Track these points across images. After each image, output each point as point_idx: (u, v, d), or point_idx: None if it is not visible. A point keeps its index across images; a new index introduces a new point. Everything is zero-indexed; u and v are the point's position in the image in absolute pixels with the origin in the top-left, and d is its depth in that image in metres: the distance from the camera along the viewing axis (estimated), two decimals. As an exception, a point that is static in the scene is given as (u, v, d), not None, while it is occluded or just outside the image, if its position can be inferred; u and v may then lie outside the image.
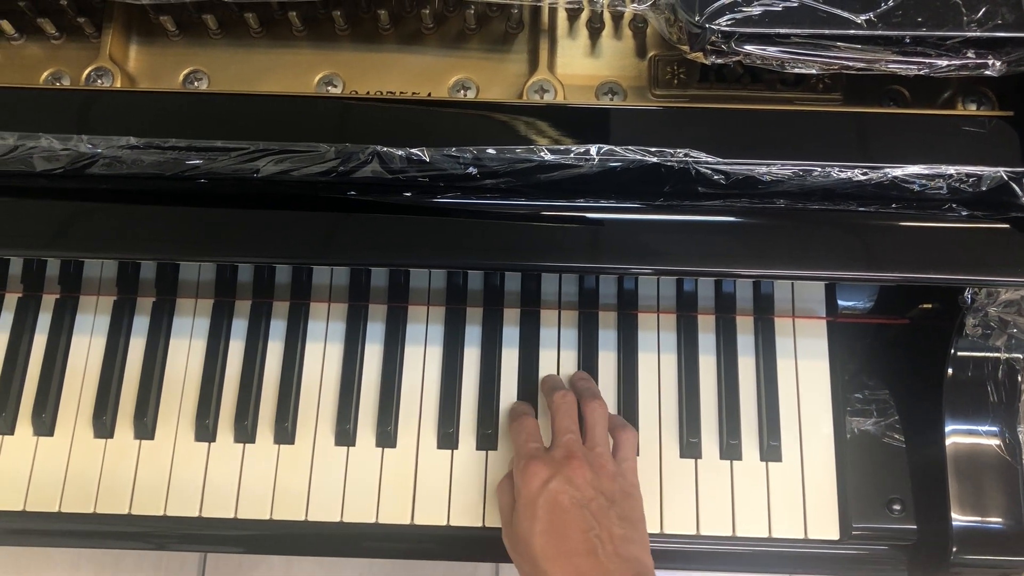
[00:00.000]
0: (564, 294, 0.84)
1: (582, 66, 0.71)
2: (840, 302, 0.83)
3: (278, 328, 0.83)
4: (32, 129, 0.60)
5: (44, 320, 0.83)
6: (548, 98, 0.67)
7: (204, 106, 0.62)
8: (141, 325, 0.83)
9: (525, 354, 0.81)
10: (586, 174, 0.60)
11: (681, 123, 0.62)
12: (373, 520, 0.77)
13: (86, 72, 0.68)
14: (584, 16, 0.71)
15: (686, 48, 0.59)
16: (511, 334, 0.83)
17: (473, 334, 0.83)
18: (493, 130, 0.61)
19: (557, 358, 0.82)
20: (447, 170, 0.60)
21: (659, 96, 0.69)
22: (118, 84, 0.68)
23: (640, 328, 0.83)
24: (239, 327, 0.83)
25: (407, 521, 0.77)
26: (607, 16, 0.70)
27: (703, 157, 0.58)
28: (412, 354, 0.82)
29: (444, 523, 0.77)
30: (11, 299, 0.84)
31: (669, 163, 0.59)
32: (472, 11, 0.69)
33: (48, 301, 0.84)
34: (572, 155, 0.58)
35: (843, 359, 0.82)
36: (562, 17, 0.72)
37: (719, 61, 0.59)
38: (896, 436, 0.79)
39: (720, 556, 0.78)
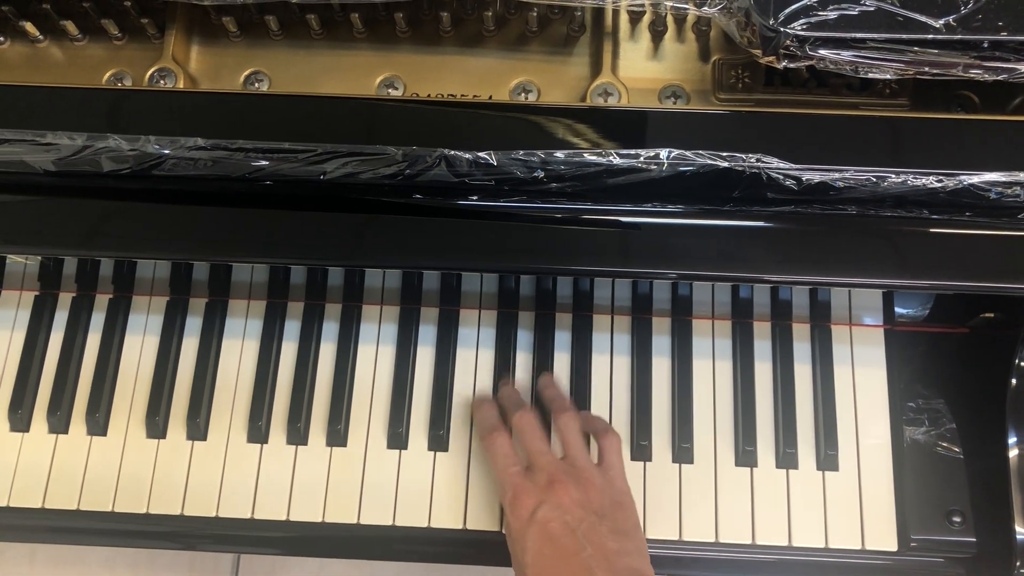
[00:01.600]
0: (617, 299, 0.83)
1: (644, 69, 0.70)
2: (898, 310, 0.82)
3: (330, 330, 0.83)
4: (100, 129, 0.60)
5: (98, 320, 0.83)
6: (612, 101, 0.67)
7: (271, 108, 0.62)
8: (193, 326, 0.83)
9: (578, 359, 0.80)
10: (654, 178, 0.60)
11: (751, 127, 0.61)
12: (425, 524, 0.77)
13: (149, 72, 0.68)
14: (646, 19, 0.70)
15: (758, 52, 0.59)
16: (563, 339, 0.82)
17: (524, 339, 0.82)
18: (560, 134, 0.60)
19: (610, 364, 0.82)
20: (513, 174, 0.59)
21: (723, 100, 0.69)
22: (181, 85, 0.68)
23: (695, 334, 0.82)
24: (291, 329, 0.83)
25: (459, 526, 0.76)
26: (670, 19, 0.69)
27: (775, 162, 0.57)
28: (464, 357, 0.81)
29: (497, 528, 0.76)
30: (65, 298, 0.84)
31: (739, 168, 0.58)
32: (534, 13, 0.68)
33: (101, 301, 0.84)
34: (641, 159, 0.57)
35: (901, 368, 0.81)
36: (624, 20, 0.71)
37: (791, 65, 0.58)
38: (954, 447, 0.78)
39: (776, 566, 0.77)
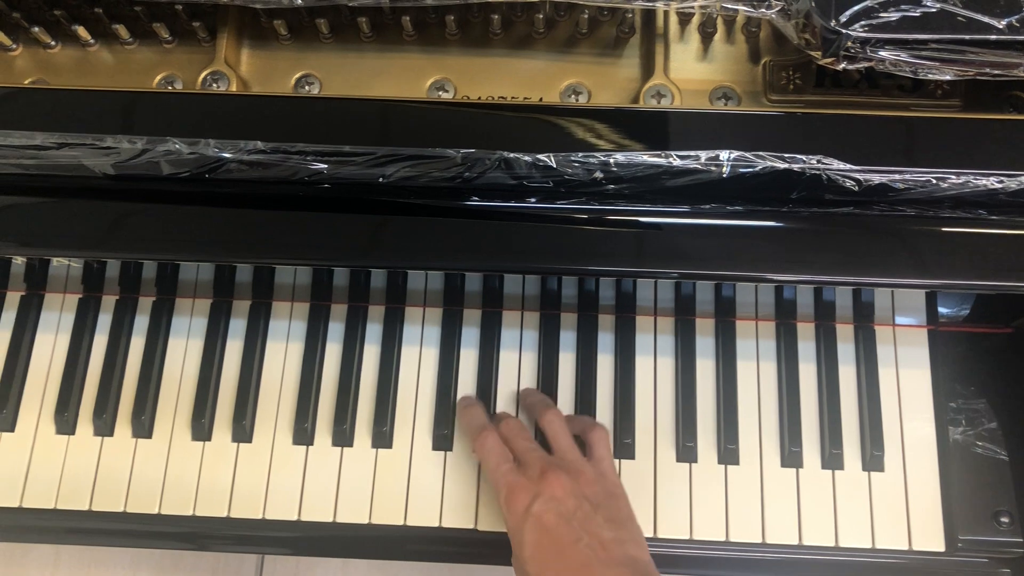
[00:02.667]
0: (660, 300, 0.83)
1: (694, 71, 0.70)
2: (941, 310, 0.82)
3: (374, 332, 0.83)
4: (157, 133, 0.60)
5: (141, 322, 0.83)
6: (665, 103, 0.67)
7: (329, 110, 0.62)
8: (237, 328, 0.83)
9: (622, 361, 0.80)
10: (711, 180, 0.59)
11: (809, 129, 0.61)
12: (472, 526, 0.77)
13: (202, 76, 0.69)
14: (695, 21, 0.70)
15: (817, 54, 0.59)
16: (606, 340, 0.82)
17: (568, 340, 0.82)
18: (619, 135, 0.60)
19: (654, 366, 0.82)
20: (572, 176, 0.59)
21: (774, 101, 0.69)
22: (234, 88, 0.68)
23: (739, 336, 0.82)
24: (335, 331, 0.83)
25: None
26: (720, 21, 0.69)
27: (835, 163, 0.57)
28: (507, 359, 0.82)
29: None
30: (108, 301, 0.84)
31: (799, 169, 0.58)
32: (585, 15, 0.68)
33: (145, 303, 0.84)
34: (702, 161, 0.57)
35: (945, 368, 0.81)
36: (673, 22, 0.71)
37: (850, 67, 0.58)
38: (997, 447, 0.78)
39: (823, 567, 0.77)
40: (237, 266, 0.83)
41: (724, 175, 0.58)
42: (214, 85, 0.68)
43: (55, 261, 0.76)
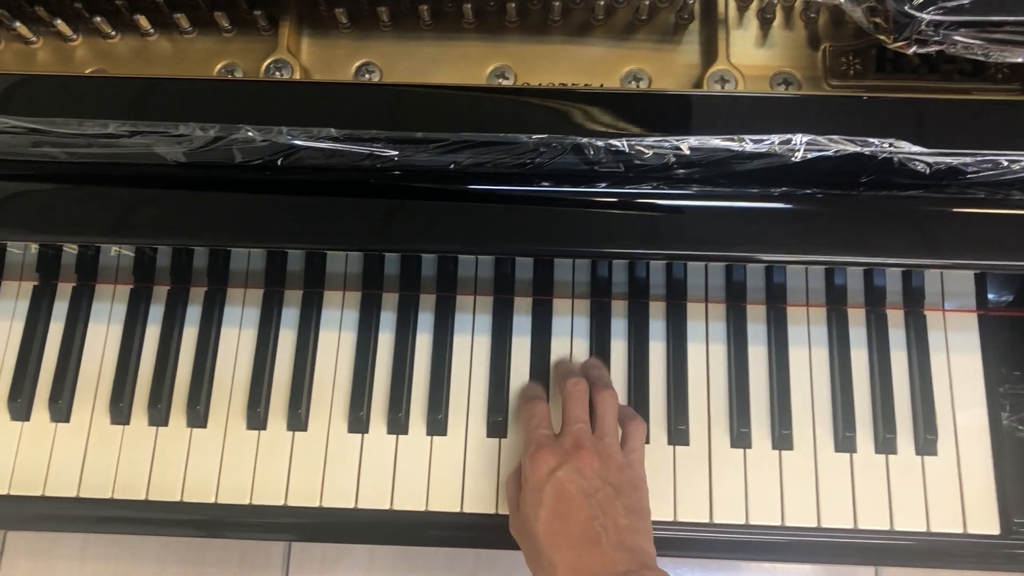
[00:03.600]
0: (711, 287, 0.83)
1: (754, 57, 0.71)
2: (990, 295, 0.82)
3: (426, 321, 0.83)
4: (228, 120, 0.60)
5: (193, 313, 0.84)
6: (729, 88, 0.67)
7: (400, 98, 0.62)
8: (290, 318, 0.83)
9: (674, 347, 0.81)
10: (781, 164, 0.60)
11: (877, 113, 0.61)
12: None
13: (265, 64, 0.69)
14: (754, 7, 0.71)
15: (886, 38, 0.59)
16: (658, 328, 0.83)
17: (619, 327, 0.83)
18: (692, 120, 0.61)
19: (706, 352, 0.82)
20: (643, 161, 0.59)
21: (835, 87, 0.69)
22: (297, 76, 0.68)
23: (790, 322, 0.82)
24: (387, 320, 0.83)
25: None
26: (778, 7, 0.70)
27: (907, 147, 0.58)
28: (558, 346, 0.82)
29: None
30: (160, 292, 0.84)
31: (869, 153, 0.58)
32: (645, 1, 0.68)
33: (197, 294, 0.84)
34: (776, 145, 0.57)
35: (996, 353, 0.81)
36: (732, 8, 0.71)
37: (921, 51, 0.58)
38: (1047, 431, 0.78)
39: (878, 550, 0.78)
40: (288, 256, 0.83)
41: (796, 159, 0.58)
42: (277, 73, 0.69)
43: (112, 250, 0.76)
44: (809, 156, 0.59)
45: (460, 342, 0.83)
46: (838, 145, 0.58)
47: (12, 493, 0.79)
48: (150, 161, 0.61)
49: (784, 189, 0.61)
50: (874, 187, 0.61)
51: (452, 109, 0.61)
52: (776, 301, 0.82)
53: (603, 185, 0.61)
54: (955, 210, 0.61)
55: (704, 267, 0.83)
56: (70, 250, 0.83)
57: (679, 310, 0.83)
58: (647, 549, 0.66)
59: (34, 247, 0.82)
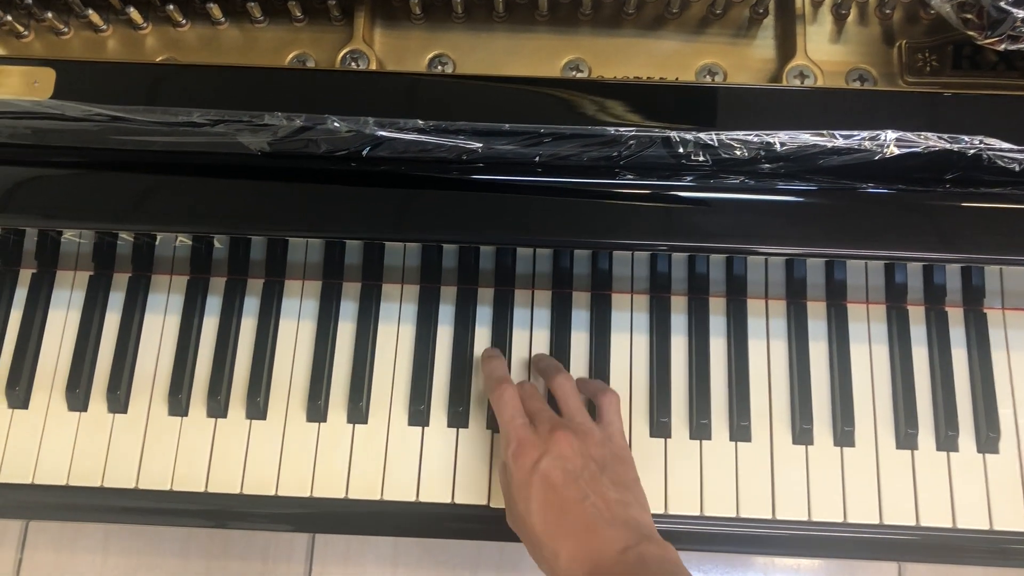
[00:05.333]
0: (771, 284, 0.83)
1: (828, 52, 0.70)
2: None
3: (484, 315, 0.83)
4: (310, 110, 0.59)
5: (251, 304, 0.83)
6: (808, 83, 0.67)
7: (484, 89, 0.62)
8: (348, 311, 0.83)
9: (736, 344, 0.81)
10: (867, 160, 0.60)
11: (963, 110, 0.61)
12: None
13: (341, 55, 0.68)
14: (828, 2, 0.70)
15: (976, 34, 0.59)
16: (719, 324, 0.83)
17: (679, 323, 0.83)
18: (778, 115, 0.60)
19: (767, 349, 0.82)
20: (731, 155, 0.59)
21: (911, 83, 0.69)
22: (372, 67, 0.68)
23: (851, 319, 0.82)
24: (446, 313, 0.83)
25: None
26: (853, 3, 0.69)
27: (998, 144, 0.57)
28: (619, 342, 0.82)
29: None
30: (217, 283, 0.84)
31: (958, 150, 0.58)
32: (722, -5, 0.68)
33: (255, 285, 0.83)
34: (865, 140, 0.57)
35: (1054, 352, 0.81)
36: (807, 3, 0.71)
37: (1012, 47, 0.58)
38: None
39: (940, 547, 0.78)
40: (347, 248, 0.83)
41: (885, 155, 0.58)
42: (353, 64, 0.68)
43: (178, 240, 0.76)
44: (896, 152, 0.59)
45: (519, 336, 0.82)
46: (927, 142, 0.58)
47: (71, 484, 0.78)
48: (231, 150, 0.61)
49: (871, 185, 0.60)
50: (959, 184, 0.60)
51: (538, 101, 0.61)
52: (837, 298, 0.82)
53: (689, 179, 0.60)
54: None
55: (764, 263, 0.83)
56: (126, 240, 0.82)
57: (740, 306, 0.82)
58: (642, 520, 0.66)
59: (87, 237, 0.82)
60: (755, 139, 0.58)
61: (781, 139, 0.57)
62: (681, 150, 0.59)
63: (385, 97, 0.62)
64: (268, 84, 0.61)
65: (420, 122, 0.59)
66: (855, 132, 0.58)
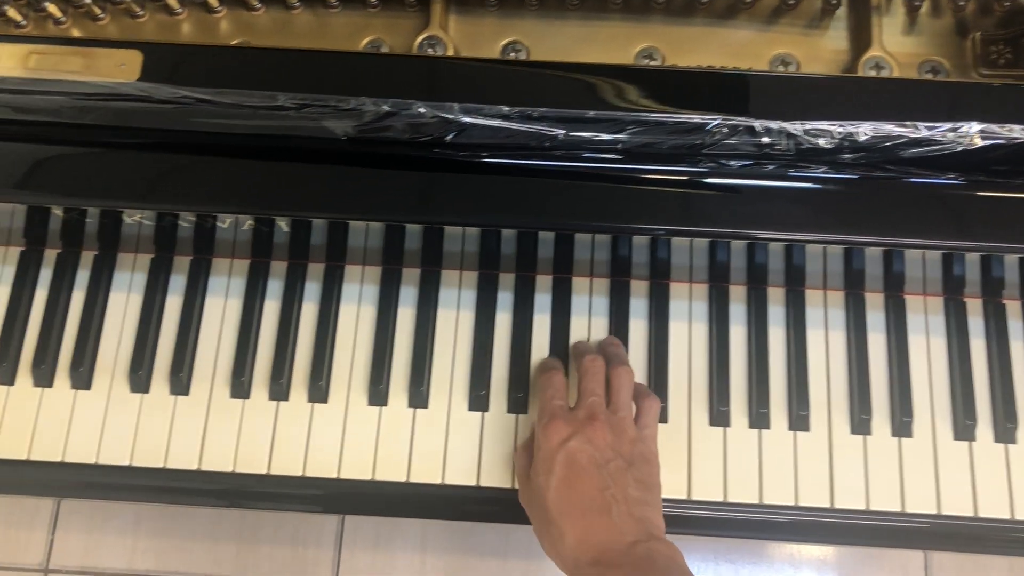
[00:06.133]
0: (829, 274, 0.83)
1: (901, 43, 0.71)
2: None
3: (543, 302, 0.83)
4: (394, 95, 0.60)
5: (312, 289, 0.84)
6: (884, 75, 0.67)
7: (564, 76, 0.62)
8: (408, 296, 0.83)
9: (795, 334, 0.81)
10: (948, 152, 0.60)
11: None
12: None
13: (418, 40, 0.68)
14: (903, -6, 0.70)
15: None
16: (777, 314, 0.83)
17: (738, 313, 0.83)
18: (859, 105, 0.60)
19: (825, 339, 0.82)
20: (814, 144, 0.59)
21: (985, 75, 0.69)
22: (450, 53, 0.68)
23: (909, 311, 0.82)
24: (505, 300, 0.83)
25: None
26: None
27: (1082, 137, 0.58)
28: (677, 330, 0.82)
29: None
30: (278, 267, 0.84)
31: (1042, 143, 0.58)
32: (795, -14, 0.68)
33: (315, 270, 0.84)
34: (949, 132, 0.57)
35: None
36: (878, -7, 0.71)
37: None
38: None
39: (998, 538, 0.78)
40: (406, 233, 0.83)
41: (968, 147, 0.58)
42: (430, 50, 0.68)
43: (246, 224, 0.76)
44: (979, 144, 0.59)
45: (577, 323, 0.83)
46: (1011, 134, 0.58)
47: (135, 465, 0.79)
48: (314, 134, 0.61)
49: (952, 176, 0.61)
50: (1039, 176, 0.61)
51: (621, 88, 0.61)
52: (894, 289, 0.83)
53: (772, 167, 0.61)
54: None
55: (823, 254, 0.83)
56: (187, 223, 0.83)
57: (799, 296, 0.83)
58: (655, 521, 0.66)
59: (149, 219, 0.82)
60: (839, 129, 0.58)
61: (865, 130, 0.58)
62: (765, 139, 0.59)
63: (467, 83, 0.62)
64: (350, 68, 0.61)
65: (504, 108, 0.59)
66: (939, 124, 0.58)
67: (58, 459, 0.79)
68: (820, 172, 0.61)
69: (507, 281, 0.84)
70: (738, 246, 0.81)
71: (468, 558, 1.34)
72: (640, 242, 0.83)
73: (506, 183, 0.62)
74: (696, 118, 0.59)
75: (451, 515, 0.79)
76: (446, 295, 0.84)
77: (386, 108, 0.59)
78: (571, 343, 0.82)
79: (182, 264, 0.84)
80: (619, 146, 0.60)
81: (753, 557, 1.26)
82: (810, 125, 0.58)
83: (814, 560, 1.25)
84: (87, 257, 0.84)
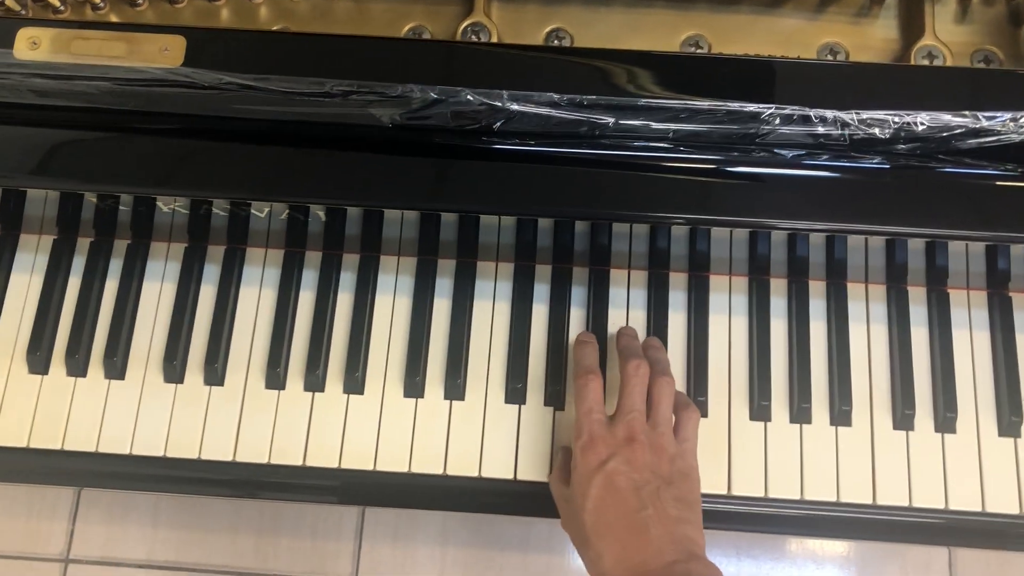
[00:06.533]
0: (871, 268, 0.82)
1: (953, 32, 0.69)
2: None
3: (579, 294, 0.82)
4: (442, 82, 0.59)
5: (347, 279, 0.83)
6: (937, 64, 0.65)
7: (614, 64, 0.61)
8: (444, 288, 0.82)
9: (837, 329, 0.80)
10: (1007, 142, 0.59)
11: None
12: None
13: (461, 27, 0.67)
14: (953, -18, 0.69)
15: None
16: (818, 307, 0.82)
17: (778, 306, 0.82)
18: (915, 94, 0.59)
19: (867, 334, 0.81)
20: (870, 134, 0.58)
21: (1039, 66, 0.68)
22: (494, 40, 0.67)
23: (953, 306, 0.81)
24: (541, 292, 0.82)
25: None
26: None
27: None
28: (717, 323, 0.82)
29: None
30: (312, 257, 0.83)
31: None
32: (846, -26, 0.67)
33: (351, 260, 0.83)
34: (1008, 122, 0.56)
35: None
36: (928, -17, 0.70)
37: None
38: None
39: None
40: (442, 224, 0.82)
41: (1016, 137, 0.57)
42: (474, 37, 0.67)
43: (284, 214, 0.75)
44: (1032, 135, 0.58)
45: (615, 316, 0.82)
46: (1075, 124, 0.57)
47: (168, 455, 0.79)
48: (359, 122, 0.60)
49: (1010, 167, 0.59)
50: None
51: (675, 76, 0.60)
52: (937, 284, 0.82)
53: (825, 158, 0.59)
54: None
55: (865, 246, 0.82)
56: (221, 212, 0.82)
57: (840, 290, 0.82)
58: (696, 539, 0.65)
59: (182, 207, 0.82)
60: (895, 119, 0.57)
61: (923, 119, 0.56)
62: (820, 129, 0.58)
63: (516, 70, 0.61)
64: (398, 55, 0.60)
65: (555, 96, 0.58)
66: (998, 113, 0.57)
67: (92, 449, 0.78)
68: (875, 163, 0.59)
69: (543, 273, 0.83)
70: (778, 238, 0.80)
71: (489, 551, 1.33)
72: (679, 234, 0.82)
73: (553, 172, 0.61)
74: (750, 107, 0.58)
75: (487, 509, 0.79)
76: (482, 286, 0.83)
77: (433, 95, 0.58)
78: (613, 331, 0.80)
79: (216, 253, 0.84)
80: (670, 135, 0.59)
81: (776, 553, 1.25)
82: (866, 114, 0.57)
83: (837, 556, 1.24)
84: (120, 246, 0.83)
